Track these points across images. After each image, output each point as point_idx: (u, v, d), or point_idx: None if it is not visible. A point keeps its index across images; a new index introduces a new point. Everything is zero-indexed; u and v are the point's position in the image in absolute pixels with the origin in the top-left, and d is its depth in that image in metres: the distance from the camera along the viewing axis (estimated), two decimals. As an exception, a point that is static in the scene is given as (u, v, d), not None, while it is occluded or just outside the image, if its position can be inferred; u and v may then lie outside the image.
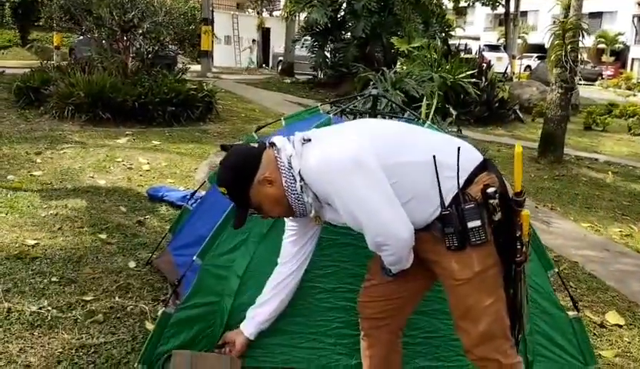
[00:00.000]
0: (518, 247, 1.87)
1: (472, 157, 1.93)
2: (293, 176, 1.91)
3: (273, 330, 2.40)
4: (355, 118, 3.18)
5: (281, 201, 1.94)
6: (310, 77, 18.98)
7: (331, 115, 2.76)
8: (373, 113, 2.95)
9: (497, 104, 12.58)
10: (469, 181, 1.87)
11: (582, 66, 30.01)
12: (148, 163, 6.69)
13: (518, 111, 13.49)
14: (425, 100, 6.64)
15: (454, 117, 6.54)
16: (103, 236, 4.24)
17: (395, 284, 2.08)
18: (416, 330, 2.52)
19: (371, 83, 8.18)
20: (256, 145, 2.01)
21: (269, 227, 2.43)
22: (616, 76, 32.95)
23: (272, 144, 1.97)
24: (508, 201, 1.87)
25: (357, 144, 1.86)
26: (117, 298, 3.35)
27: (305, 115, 3.19)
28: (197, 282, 2.42)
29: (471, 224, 1.82)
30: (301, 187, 1.90)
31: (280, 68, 23.06)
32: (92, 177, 5.94)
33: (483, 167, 1.91)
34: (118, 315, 3.17)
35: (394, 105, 3.73)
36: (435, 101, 6.52)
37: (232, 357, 2.25)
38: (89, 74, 9.24)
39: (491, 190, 1.83)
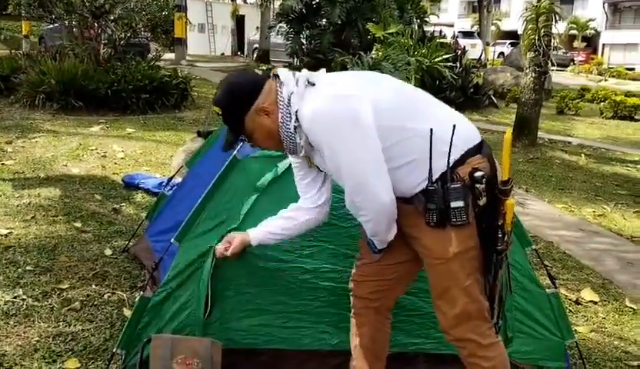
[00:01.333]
0: (500, 235, 1.84)
1: (469, 138, 1.88)
2: (289, 114, 1.87)
3: (256, 311, 2.37)
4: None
5: (273, 135, 1.91)
6: (286, 64, 18.86)
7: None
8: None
9: (472, 90, 12.68)
10: (461, 160, 1.84)
11: (555, 52, 30.38)
12: (123, 151, 6.59)
13: (492, 96, 13.61)
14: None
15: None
16: (78, 224, 4.17)
17: (387, 264, 2.07)
18: (398, 308, 2.52)
19: (348, 67, 8.15)
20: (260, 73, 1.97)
21: (249, 207, 2.41)
22: (587, 62, 33.42)
23: (276, 77, 1.92)
24: (494, 187, 1.83)
25: (357, 99, 1.80)
26: (93, 286, 3.30)
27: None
28: (174, 265, 2.39)
29: (454, 204, 1.80)
30: (295, 127, 1.87)
31: (255, 55, 22.88)
32: (65, 165, 5.84)
33: (478, 149, 1.87)
34: (95, 303, 3.13)
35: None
36: (411, 85, 6.52)
37: (213, 340, 2.23)
38: (60, 62, 9.04)
39: (478, 174, 1.80)
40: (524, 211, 5.44)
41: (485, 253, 1.90)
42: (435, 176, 1.83)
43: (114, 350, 2.34)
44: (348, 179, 1.84)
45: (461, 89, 12.23)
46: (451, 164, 1.82)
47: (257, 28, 23.73)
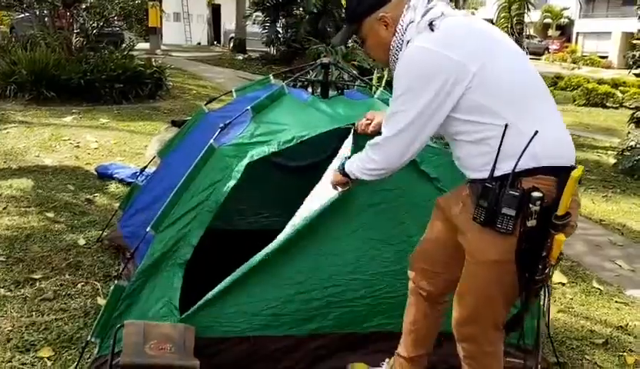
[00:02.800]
0: (540, 266, 1.76)
1: (554, 154, 1.77)
2: (402, 41, 1.89)
3: (234, 297, 2.38)
4: (306, 87, 3.18)
5: (384, 48, 1.96)
6: (262, 53, 18.79)
7: (284, 84, 2.76)
8: (325, 82, 2.95)
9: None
10: (531, 172, 1.74)
11: (529, 40, 30.69)
12: (97, 141, 6.53)
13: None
14: (375, 72, 6.69)
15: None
16: (51, 215, 4.14)
17: (440, 253, 2.10)
18: (377, 290, 2.57)
19: (322, 54, 8.17)
20: None
21: (224, 197, 2.42)
22: (562, 50, 33.84)
23: None
24: (549, 218, 1.72)
25: (455, 63, 1.76)
26: (67, 276, 3.29)
27: (257, 86, 3.17)
28: (150, 254, 2.38)
29: (505, 210, 1.72)
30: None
31: (232, 44, 22.72)
32: (38, 156, 5.77)
33: (557, 171, 1.75)
34: (69, 292, 3.12)
35: (345, 76, 3.73)
36: (386, 73, 6.55)
37: (186, 325, 2.25)
38: (31, 52, 8.89)
39: (535, 194, 1.70)
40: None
41: (518, 277, 1.82)
42: (497, 174, 1.76)
43: (88, 339, 2.35)
44: (384, 125, 1.92)
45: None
46: (517, 170, 1.74)
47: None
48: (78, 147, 6.26)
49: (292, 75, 3.20)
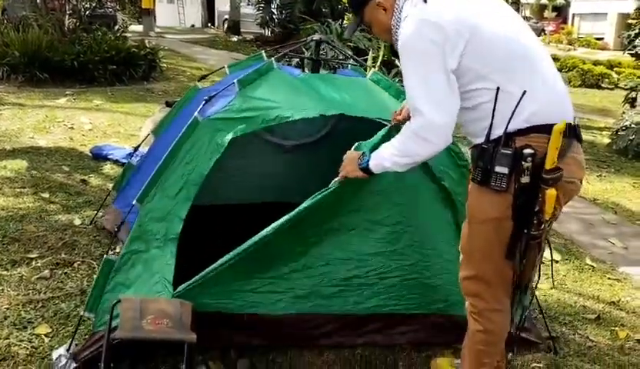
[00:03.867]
0: (535, 221, 1.81)
1: (547, 114, 1.82)
2: (399, 19, 1.97)
3: (231, 275, 2.38)
4: (299, 65, 3.17)
5: (387, 31, 2.06)
6: (257, 34, 18.65)
7: (272, 59, 2.74)
8: (316, 59, 2.95)
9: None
10: (524, 131, 1.81)
11: (525, 22, 30.51)
12: (91, 122, 6.50)
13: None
14: (371, 52, 6.65)
15: (399, 68, 6.57)
16: (46, 195, 4.14)
17: None
18: (371, 271, 2.59)
19: (316, 33, 8.13)
20: None
21: (209, 170, 2.42)
22: (558, 31, 33.68)
23: None
24: (539, 174, 1.79)
25: (449, 30, 1.80)
26: (63, 255, 3.30)
27: (250, 62, 3.15)
28: (137, 227, 2.40)
29: (497, 169, 1.80)
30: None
31: (226, 26, 22.51)
32: (32, 137, 5.74)
33: (548, 130, 1.78)
34: (65, 271, 3.14)
35: (339, 54, 3.73)
36: (381, 53, 6.54)
37: (182, 301, 2.26)
38: (24, 34, 8.80)
39: (526, 151, 1.77)
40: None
41: (515, 233, 1.87)
42: (493, 136, 1.84)
43: (82, 314, 2.36)
44: (416, 109, 1.91)
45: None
46: (511, 130, 1.80)
47: None
48: (72, 128, 6.23)
49: (285, 53, 3.19)
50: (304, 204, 2.30)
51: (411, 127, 1.91)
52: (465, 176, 2.65)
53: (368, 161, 2.08)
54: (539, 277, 2.04)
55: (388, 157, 2.02)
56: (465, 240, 2.03)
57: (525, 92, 1.80)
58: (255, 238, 2.32)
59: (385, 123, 2.40)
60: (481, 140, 1.88)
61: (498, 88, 1.82)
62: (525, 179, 1.78)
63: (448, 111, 1.86)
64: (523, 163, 1.77)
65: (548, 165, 1.77)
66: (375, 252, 2.59)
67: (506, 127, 1.81)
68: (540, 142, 1.79)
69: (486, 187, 1.84)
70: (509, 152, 1.79)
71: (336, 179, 2.25)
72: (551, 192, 1.77)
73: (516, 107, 1.80)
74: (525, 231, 1.84)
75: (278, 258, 2.48)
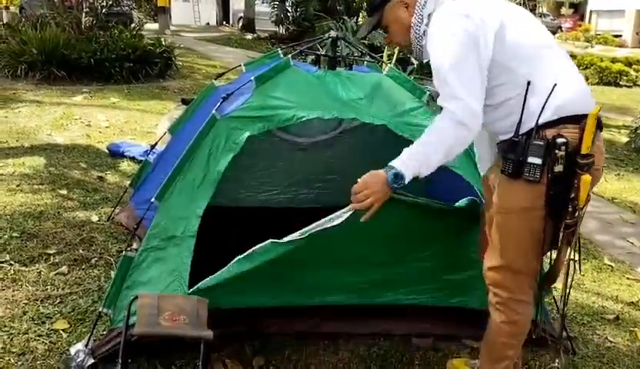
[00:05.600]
0: (570, 209, 1.83)
1: (574, 104, 1.86)
2: (422, 16, 1.98)
3: (247, 276, 2.33)
4: (315, 62, 3.16)
5: (406, 30, 2.04)
6: (272, 32, 18.66)
7: (289, 57, 2.74)
8: (332, 56, 2.93)
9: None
10: (554, 123, 1.84)
11: (542, 18, 30.23)
12: (107, 120, 6.55)
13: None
14: (386, 49, 6.63)
15: (415, 66, 6.58)
16: (63, 192, 4.17)
17: None
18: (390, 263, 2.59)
19: (331, 30, 8.12)
20: None
21: (225, 168, 2.43)
22: (575, 28, 33.31)
23: None
24: (574, 160, 1.82)
25: (478, 25, 1.85)
26: (81, 251, 3.33)
27: (265, 60, 3.15)
28: (155, 224, 2.40)
29: (531, 159, 1.83)
30: (424, 31, 1.99)
31: (241, 24, 22.57)
32: (50, 135, 5.80)
33: (579, 119, 1.83)
34: (83, 267, 3.16)
35: (354, 50, 3.72)
36: (397, 50, 6.51)
37: (199, 297, 2.27)
38: (41, 32, 8.88)
39: (559, 140, 1.80)
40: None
41: (552, 223, 1.89)
42: (523, 130, 1.87)
43: (100, 310, 2.38)
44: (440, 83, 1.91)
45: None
46: (541, 123, 1.84)
47: None
48: (89, 125, 6.28)
49: (303, 50, 3.18)
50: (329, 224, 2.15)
51: (449, 115, 1.87)
52: (473, 159, 2.61)
53: (398, 173, 1.90)
54: (571, 276, 2.03)
55: (422, 158, 1.91)
56: (492, 230, 2.04)
57: (555, 85, 1.83)
58: (271, 251, 2.26)
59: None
60: (509, 135, 1.90)
61: (528, 82, 1.85)
62: (559, 168, 1.81)
63: (480, 100, 1.88)
64: (557, 151, 1.80)
65: (584, 150, 1.80)
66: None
67: (537, 120, 1.83)
68: (570, 131, 1.83)
69: (518, 179, 1.86)
70: (542, 143, 1.82)
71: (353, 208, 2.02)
72: (586, 178, 1.81)
73: (547, 99, 1.83)
74: (558, 220, 1.86)
75: (299, 265, 2.45)
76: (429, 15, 1.97)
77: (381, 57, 6.19)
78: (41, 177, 4.45)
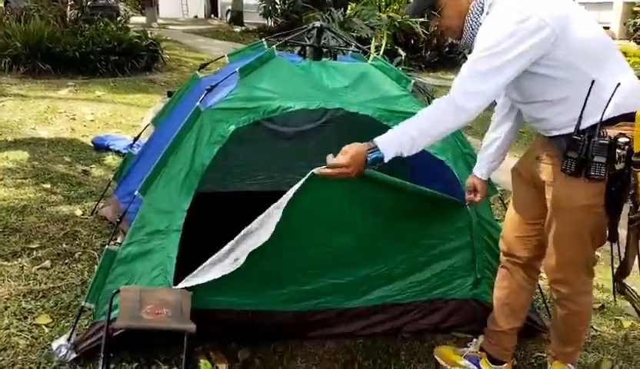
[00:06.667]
0: (632, 205, 1.86)
1: (632, 103, 1.87)
2: (482, 4, 1.96)
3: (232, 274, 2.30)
4: (300, 52, 3.13)
5: (460, 15, 2.01)
6: (260, 25, 18.55)
7: (274, 47, 2.71)
8: (317, 46, 2.91)
9: (447, 49, 12.62)
10: (614, 120, 1.86)
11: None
12: (92, 113, 6.49)
13: (467, 55, 13.53)
14: (373, 41, 6.60)
15: (403, 57, 6.55)
16: (47, 186, 4.12)
17: (530, 221, 2.18)
18: (378, 262, 2.59)
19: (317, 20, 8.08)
20: None
21: (210, 160, 2.40)
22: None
23: None
24: (631, 159, 1.84)
25: (542, 21, 1.82)
26: (64, 245, 3.29)
27: (249, 51, 3.11)
28: (139, 218, 2.38)
29: (597, 158, 1.84)
30: (481, 21, 1.97)
31: (229, 17, 22.43)
32: (34, 128, 5.73)
33: (632, 117, 1.85)
34: (66, 261, 3.12)
35: (340, 40, 3.68)
36: (384, 42, 6.48)
37: (182, 291, 2.24)
38: (26, 25, 8.77)
39: (622, 140, 1.82)
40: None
41: (611, 220, 1.94)
42: (583, 126, 1.87)
43: (82, 304, 2.35)
44: (467, 63, 1.93)
45: (436, 48, 12.19)
46: (603, 120, 1.85)
47: None
48: (74, 119, 6.22)
49: (286, 41, 3.16)
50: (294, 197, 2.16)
51: (448, 97, 1.95)
52: (469, 163, 2.64)
53: (378, 157, 1.95)
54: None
55: (406, 139, 1.96)
56: (552, 228, 2.05)
57: (619, 84, 1.84)
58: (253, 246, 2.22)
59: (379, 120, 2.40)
60: (563, 131, 1.91)
61: (593, 81, 1.85)
62: (620, 166, 1.84)
63: (483, 105, 1.92)
64: (618, 151, 1.82)
65: (637, 148, 1.81)
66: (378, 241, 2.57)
67: (601, 118, 1.84)
68: (630, 129, 1.84)
69: (579, 177, 1.88)
70: (606, 142, 1.83)
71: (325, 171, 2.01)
72: None
73: (610, 97, 1.83)
74: (617, 215, 1.91)
75: (278, 254, 2.44)
76: (490, 5, 1.94)
77: (369, 49, 6.16)
78: (25, 171, 4.40)
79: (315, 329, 2.60)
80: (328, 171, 1.97)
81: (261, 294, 2.49)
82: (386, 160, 1.96)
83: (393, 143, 1.95)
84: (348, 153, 1.94)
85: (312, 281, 2.53)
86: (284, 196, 2.15)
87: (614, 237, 1.98)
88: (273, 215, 2.14)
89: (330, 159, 1.98)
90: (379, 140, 1.96)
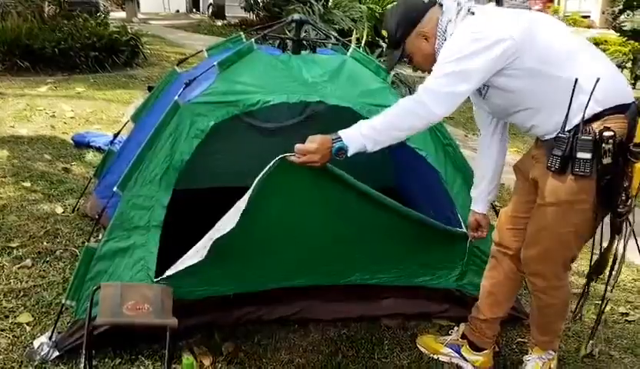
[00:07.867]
0: (623, 198, 1.88)
1: (616, 95, 1.89)
2: (444, 39, 1.99)
3: (210, 262, 2.28)
4: (280, 45, 3.13)
5: (430, 58, 2.05)
6: (242, 19, 18.43)
7: (252, 41, 2.70)
8: (297, 39, 2.90)
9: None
10: (599, 115, 1.87)
11: (513, 1, 30.43)
12: (73, 110, 6.41)
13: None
14: (355, 33, 6.60)
15: (384, 49, 6.54)
16: (27, 184, 4.08)
17: (521, 215, 2.20)
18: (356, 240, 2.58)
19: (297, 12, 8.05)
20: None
21: (190, 155, 2.39)
22: (544, 9, 33.60)
23: (441, 5, 2.03)
24: (625, 149, 1.86)
25: (502, 34, 1.87)
26: (45, 243, 3.26)
27: (228, 44, 3.10)
28: (118, 214, 2.36)
29: (580, 155, 1.84)
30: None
31: (210, 11, 22.26)
32: (13, 127, 5.65)
33: (622, 109, 1.88)
34: (47, 259, 3.10)
35: (320, 33, 3.68)
36: (365, 33, 6.48)
37: (163, 286, 2.24)
38: (3, 22, 8.64)
39: (607, 134, 1.82)
40: (472, 154, 5.53)
41: (602, 213, 1.96)
42: (569, 126, 1.88)
43: (63, 302, 2.34)
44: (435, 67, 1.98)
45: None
46: (587, 117, 1.85)
47: None
48: (53, 116, 6.14)
49: (265, 33, 3.14)
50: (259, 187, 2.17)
51: (415, 95, 1.98)
52: (449, 154, 2.66)
53: (341, 147, 1.99)
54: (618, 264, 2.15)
55: (372, 133, 1.99)
56: (535, 221, 2.08)
57: (598, 79, 1.84)
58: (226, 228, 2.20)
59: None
60: (553, 135, 1.93)
61: (576, 79, 1.85)
62: (607, 160, 1.84)
63: (450, 109, 1.96)
64: (604, 145, 1.82)
65: (638, 138, 1.84)
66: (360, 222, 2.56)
67: (583, 115, 1.85)
68: (617, 122, 1.85)
69: (564, 174, 1.90)
70: (590, 138, 1.83)
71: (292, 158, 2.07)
72: (639, 166, 1.87)
73: (590, 95, 1.84)
74: (612, 208, 1.92)
75: (264, 248, 2.43)
76: (451, 34, 1.98)
77: (350, 41, 6.15)
78: (4, 169, 4.34)
79: (295, 308, 2.61)
80: (296, 158, 2.04)
81: (241, 277, 2.48)
82: (349, 153, 2.00)
83: (357, 137, 1.99)
84: (316, 141, 2.02)
85: (289, 261, 2.50)
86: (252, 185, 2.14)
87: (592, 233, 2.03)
88: (239, 204, 2.14)
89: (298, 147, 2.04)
90: (343, 132, 2.01)
